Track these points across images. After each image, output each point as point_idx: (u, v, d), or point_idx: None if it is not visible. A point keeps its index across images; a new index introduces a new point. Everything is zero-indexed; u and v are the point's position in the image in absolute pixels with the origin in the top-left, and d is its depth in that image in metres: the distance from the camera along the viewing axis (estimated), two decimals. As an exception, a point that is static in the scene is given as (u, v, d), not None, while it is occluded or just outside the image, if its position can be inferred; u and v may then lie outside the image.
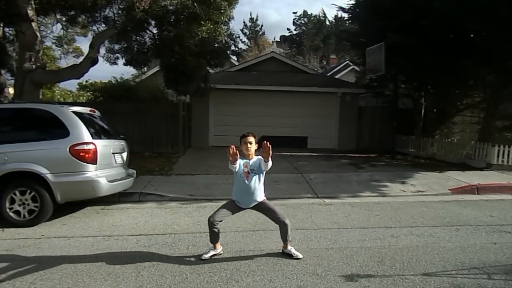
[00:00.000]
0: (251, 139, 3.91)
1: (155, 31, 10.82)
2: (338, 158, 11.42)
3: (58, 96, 18.55)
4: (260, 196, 3.96)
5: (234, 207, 3.98)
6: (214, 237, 3.92)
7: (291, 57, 28.78)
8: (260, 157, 3.91)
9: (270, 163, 3.83)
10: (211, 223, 3.84)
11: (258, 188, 3.93)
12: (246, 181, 3.87)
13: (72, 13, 10.56)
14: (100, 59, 10.47)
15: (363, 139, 14.16)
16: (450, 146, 11.10)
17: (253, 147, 3.91)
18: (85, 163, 5.21)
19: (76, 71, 9.23)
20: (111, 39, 10.63)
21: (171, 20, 10.18)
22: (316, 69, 24.78)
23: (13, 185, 5.07)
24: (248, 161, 3.91)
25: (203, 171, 8.79)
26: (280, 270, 3.56)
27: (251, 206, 3.97)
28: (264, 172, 3.95)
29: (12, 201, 5.05)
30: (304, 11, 44.91)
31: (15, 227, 4.93)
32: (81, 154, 5.17)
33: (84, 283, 3.29)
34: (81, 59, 11.23)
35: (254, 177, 3.89)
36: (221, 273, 3.50)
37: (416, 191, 7.42)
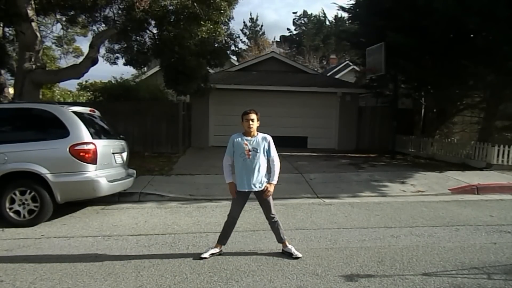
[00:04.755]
0: (253, 116, 3.84)
1: (155, 31, 10.82)
2: (338, 158, 11.42)
3: (58, 96, 18.53)
4: (264, 180, 3.88)
5: (241, 195, 3.89)
6: (223, 238, 3.94)
7: (291, 57, 28.78)
8: (265, 136, 3.88)
9: (277, 163, 3.88)
10: (231, 222, 3.89)
11: (262, 169, 3.85)
12: (248, 160, 3.80)
13: (72, 13, 10.56)
14: (100, 59, 10.50)
15: (363, 139, 14.15)
16: (450, 146, 11.09)
17: (255, 124, 3.85)
18: (85, 163, 5.21)
19: (76, 71, 9.23)
20: (111, 39, 10.63)
21: (171, 20, 10.18)
22: (316, 69, 24.77)
23: (13, 185, 5.06)
24: (250, 139, 3.84)
25: (203, 171, 8.79)
26: (280, 270, 3.56)
27: (255, 189, 3.83)
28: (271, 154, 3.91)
29: (12, 201, 5.04)
30: (304, 11, 44.91)
31: (15, 227, 4.92)
32: (81, 154, 5.17)
33: (84, 283, 3.29)
34: (81, 59, 11.23)
35: (257, 156, 3.80)
36: (221, 273, 3.50)
37: (416, 191, 7.41)
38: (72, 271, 3.53)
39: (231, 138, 3.94)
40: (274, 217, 3.93)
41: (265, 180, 3.90)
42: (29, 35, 8.10)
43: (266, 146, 3.87)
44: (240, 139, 3.87)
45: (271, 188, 3.85)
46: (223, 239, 3.95)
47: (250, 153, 3.80)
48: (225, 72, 15.08)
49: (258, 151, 3.82)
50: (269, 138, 3.92)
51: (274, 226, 3.95)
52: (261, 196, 3.89)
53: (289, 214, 5.64)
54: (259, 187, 3.85)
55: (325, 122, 14.16)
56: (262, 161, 3.85)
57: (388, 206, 6.28)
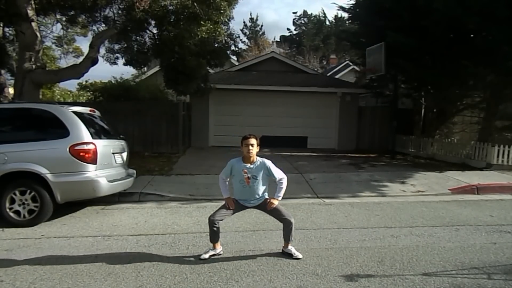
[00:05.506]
0: (253, 141, 3.79)
1: (155, 31, 10.82)
2: (338, 158, 11.42)
3: (58, 96, 18.53)
4: (263, 196, 3.91)
5: (238, 205, 3.92)
6: (214, 237, 3.91)
7: (291, 57, 28.79)
8: (264, 162, 3.86)
9: (284, 181, 3.87)
10: (211, 222, 3.82)
11: (261, 190, 3.87)
12: (247, 186, 3.82)
13: (72, 13, 10.56)
14: (100, 59, 10.50)
15: (363, 139, 14.16)
16: (450, 146, 11.10)
17: (254, 149, 3.81)
18: (85, 163, 5.20)
19: (76, 71, 9.23)
20: (111, 39, 10.63)
21: (171, 20, 10.18)
22: (316, 69, 24.77)
23: (13, 185, 5.06)
24: (249, 166, 3.82)
25: (203, 171, 8.79)
26: (280, 270, 3.56)
27: (252, 206, 3.94)
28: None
29: (12, 201, 5.04)
30: (304, 11, 44.99)
31: (15, 227, 4.92)
32: (81, 154, 5.17)
33: (84, 283, 3.29)
34: (81, 59, 11.23)
35: (256, 182, 3.82)
36: (221, 273, 3.50)
37: (416, 191, 7.41)
38: (72, 271, 3.53)
39: (229, 162, 3.92)
40: (288, 219, 3.86)
41: (265, 194, 3.93)
42: (29, 35, 8.10)
43: (266, 172, 3.86)
44: (239, 166, 3.85)
45: (275, 202, 3.83)
46: (214, 237, 3.91)
47: (249, 180, 3.81)
48: (225, 72, 15.08)
49: (258, 178, 3.82)
50: (268, 163, 3.89)
51: (287, 226, 3.87)
52: (265, 207, 3.89)
53: (289, 214, 5.64)
54: (259, 202, 3.89)
55: (325, 122, 14.16)
56: (261, 185, 3.86)
57: (388, 206, 6.28)
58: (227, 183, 3.99)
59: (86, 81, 14.67)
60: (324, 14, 48.42)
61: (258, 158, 3.91)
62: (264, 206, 3.90)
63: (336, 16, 39.53)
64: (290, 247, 3.94)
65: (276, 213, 3.90)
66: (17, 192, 5.05)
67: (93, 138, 5.36)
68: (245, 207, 3.98)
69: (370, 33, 12.09)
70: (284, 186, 3.88)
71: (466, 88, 11.15)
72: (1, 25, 10.30)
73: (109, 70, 64.28)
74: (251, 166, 3.83)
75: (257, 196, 3.87)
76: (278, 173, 3.90)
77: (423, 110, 13.24)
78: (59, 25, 12.31)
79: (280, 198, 3.86)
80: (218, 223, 3.84)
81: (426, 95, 12.81)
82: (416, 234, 4.72)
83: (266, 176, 3.88)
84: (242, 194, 3.89)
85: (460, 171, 9.06)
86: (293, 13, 56.11)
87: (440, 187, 7.60)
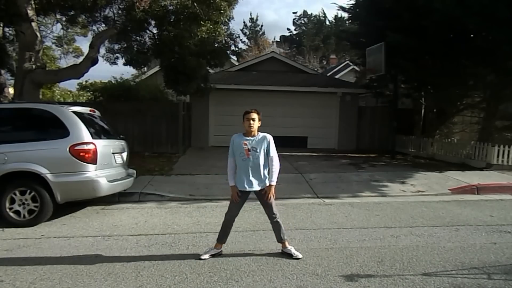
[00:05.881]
0: (254, 115, 3.82)
1: (155, 31, 10.83)
2: (338, 158, 11.42)
3: (58, 96, 18.51)
4: (265, 179, 3.86)
5: (241, 195, 3.87)
6: (223, 236, 3.93)
7: (291, 57, 28.77)
8: (265, 136, 3.86)
9: (276, 162, 3.85)
10: (228, 221, 3.87)
11: (261, 168, 3.82)
12: (247, 159, 3.79)
13: (72, 13, 10.56)
14: (100, 59, 10.50)
15: (363, 139, 14.15)
16: (450, 146, 11.09)
17: (256, 124, 3.83)
18: (85, 163, 5.21)
19: (76, 71, 9.23)
20: (111, 39, 10.63)
21: (171, 20, 10.19)
22: (316, 69, 24.76)
23: (13, 185, 5.06)
24: (249, 139, 3.82)
25: (203, 171, 8.79)
26: (280, 270, 3.56)
27: (255, 188, 3.83)
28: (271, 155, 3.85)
29: (12, 201, 5.04)
30: (304, 11, 45.05)
31: (15, 227, 4.92)
32: (81, 154, 5.17)
33: (84, 283, 3.29)
34: (81, 59, 11.23)
35: (256, 156, 3.78)
36: (221, 273, 3.50)
37: (416, 191, 7.41)
38: (72, 271, 3.53)
39: (231, 138, 3.94)
40: (275, 217, 3.92)
41: (266, 177, 3.89)
42: (29, 35, 8.09)
43: (266, 145, 3.85)
44: (239, 139, 3.86)
45: (271, 190, 3.83)
46: (223, 237, 3.95)
47: (249, 152, 3.79)
48: (225, 72, 15.08)
49: (258, 150, 3.80)
50: (269, 137, 3.90)
51: (275, 225, 3.95)
52: (262, 197, 3.89)
53: (289, 214, 5.64)
54: (260, 186, 3.84)
55: (325, 122, 14.16)
56: (262, 161, 3.83)
57: (388, 206, 6.28)
58: (234, 170, 3.93)
59: (86, 81, 14.67)
60: (324, 14, 48.44)
61: (260, 133, 3.91)
62: (262, 195, 3.85)
63: (336, 16, 39.56)
64: (289, 246, 3.95)
65: (268, 207, 3.89)
66: (17, 192, 5.05)
67: (93, 138, 5.36)
68: (247, 192, 3.89)
69: (370, 33, 12.10)
70: (276, 169, 3.84)
71: (466, 88, 11.15)
72: (1, 25, 10.29)
73: (109, 70, 64.33)
74: (252, 138, 3.83)
75: (259, 173, 3.80)
76: (273, 151, 3.87)
77: (423, 110, 13.24)
78: (59, 25, 12.34)
79: (274, 183, 3.83)
80: (234, 220, 3.91)
81: (426, 95, 12.81)
82: (416, 234, 4.72)
83: (266, 155, 3.85)
84: (242, 169, 3.83)
85: (460, 171, 9.06)
86: (293, 13, 56.24)
87: (440, 187, 7.60)
